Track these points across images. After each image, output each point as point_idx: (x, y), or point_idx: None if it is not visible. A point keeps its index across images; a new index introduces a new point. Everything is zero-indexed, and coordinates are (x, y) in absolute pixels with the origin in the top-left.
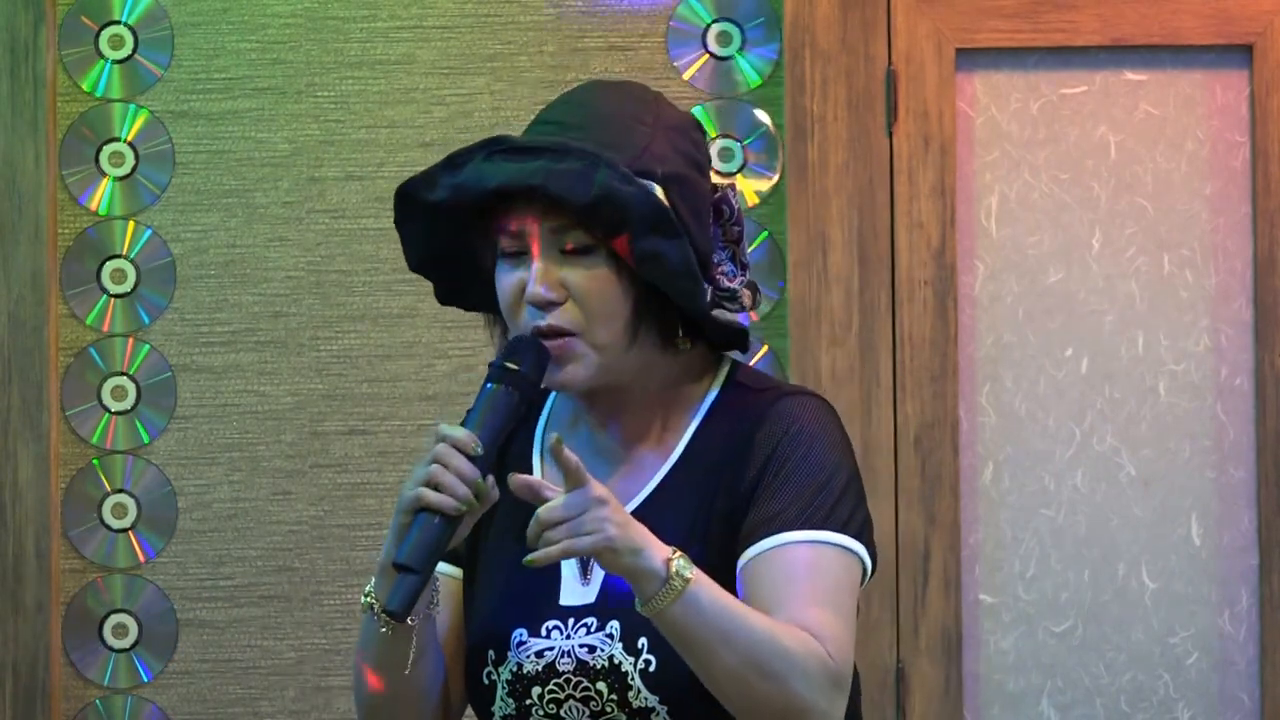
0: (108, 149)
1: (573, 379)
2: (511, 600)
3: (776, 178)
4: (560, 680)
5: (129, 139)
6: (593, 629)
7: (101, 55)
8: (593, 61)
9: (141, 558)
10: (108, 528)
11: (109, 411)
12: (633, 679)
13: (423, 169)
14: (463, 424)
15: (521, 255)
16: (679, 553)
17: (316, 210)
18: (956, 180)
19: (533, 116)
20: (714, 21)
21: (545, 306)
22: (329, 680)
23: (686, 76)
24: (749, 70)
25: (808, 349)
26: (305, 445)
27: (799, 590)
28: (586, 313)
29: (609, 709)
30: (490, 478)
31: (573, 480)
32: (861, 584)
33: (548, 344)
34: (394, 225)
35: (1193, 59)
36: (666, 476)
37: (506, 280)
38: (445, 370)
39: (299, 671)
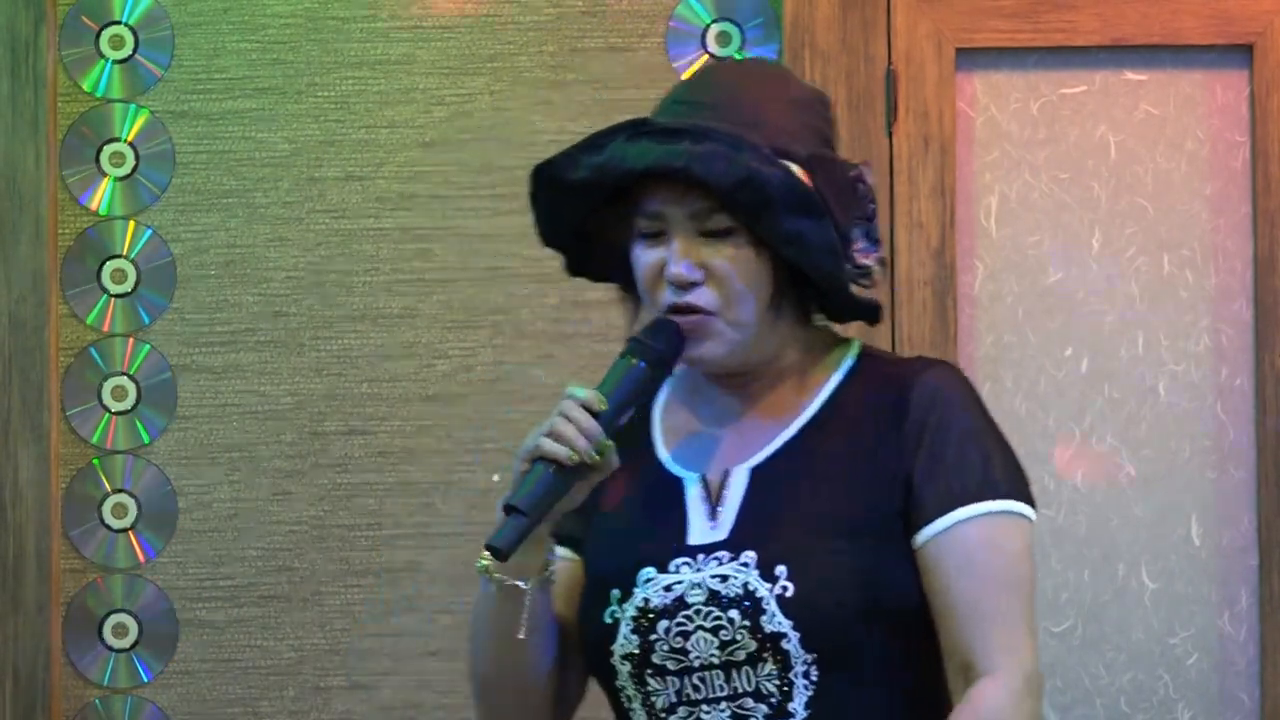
0: (108, 149)
1: (709, 354)
2: (637, 541)
3: None
4: (690, 612)
5: (129, 139)
6: (724, 561)
7: (102, 55)
8: (592, 62)
9: (141, 558)
10: (108, 528)
11: (109, 411)
12: (767, 603)
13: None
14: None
15: (660, 235)
16: None
17: (316, 210)
18: (956, 180)
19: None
20: (714, 21)
21: (686, 286)
22: (329, 680)
23: (686, 77)
24: None
25: None
26: (305, 445)
27: (985, 597)
28: (724, 294)
29: (739, 637)
30: (611, 445)
31: None
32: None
33: (680, 320)
34: (530, 199)
35: (1193, 59)
36: (799, 434)
37: (646, 258)
38: (445, 370)
39: (299, 671)
